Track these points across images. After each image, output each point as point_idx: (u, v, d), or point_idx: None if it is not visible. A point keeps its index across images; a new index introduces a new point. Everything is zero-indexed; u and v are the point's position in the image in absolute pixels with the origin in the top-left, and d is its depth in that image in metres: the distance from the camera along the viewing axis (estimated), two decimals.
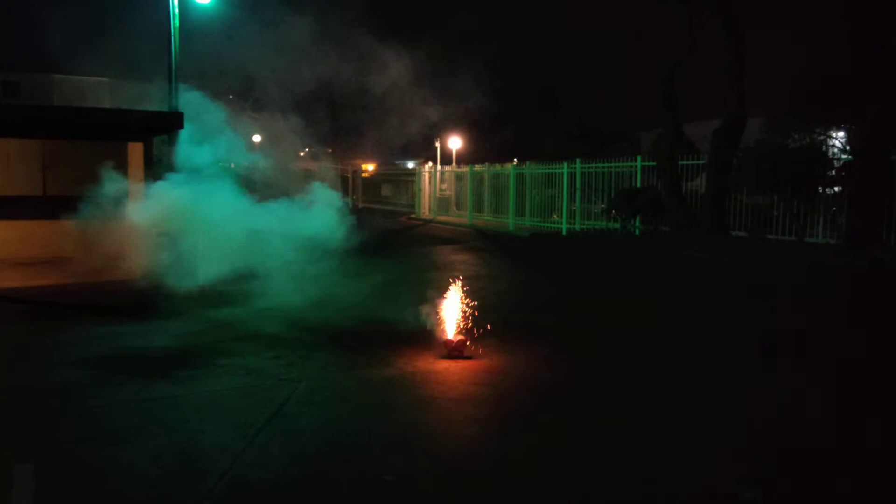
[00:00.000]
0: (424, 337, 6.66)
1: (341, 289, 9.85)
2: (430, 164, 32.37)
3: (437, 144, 34.51)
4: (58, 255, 11.08)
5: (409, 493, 3.70)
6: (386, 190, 36.36)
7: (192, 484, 3.76)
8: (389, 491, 3.72)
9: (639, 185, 19.83)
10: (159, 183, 9.21)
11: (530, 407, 5.07)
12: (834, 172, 15.30)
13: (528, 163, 23.60)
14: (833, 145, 16.02)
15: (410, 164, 38.53)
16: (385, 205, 34.62)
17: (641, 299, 9.71)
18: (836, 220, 15.24)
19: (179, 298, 8.86)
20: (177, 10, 13.37)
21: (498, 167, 25.22)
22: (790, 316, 8.54)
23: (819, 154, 15.33)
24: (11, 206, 11.72)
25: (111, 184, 9.60)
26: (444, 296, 6.67)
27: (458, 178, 27.83)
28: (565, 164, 21.57)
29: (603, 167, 20.81)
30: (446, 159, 33.53)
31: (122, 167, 11.32)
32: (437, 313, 6.67)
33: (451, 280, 6.81)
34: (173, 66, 13.35)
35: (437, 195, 28.65)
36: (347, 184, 36.87)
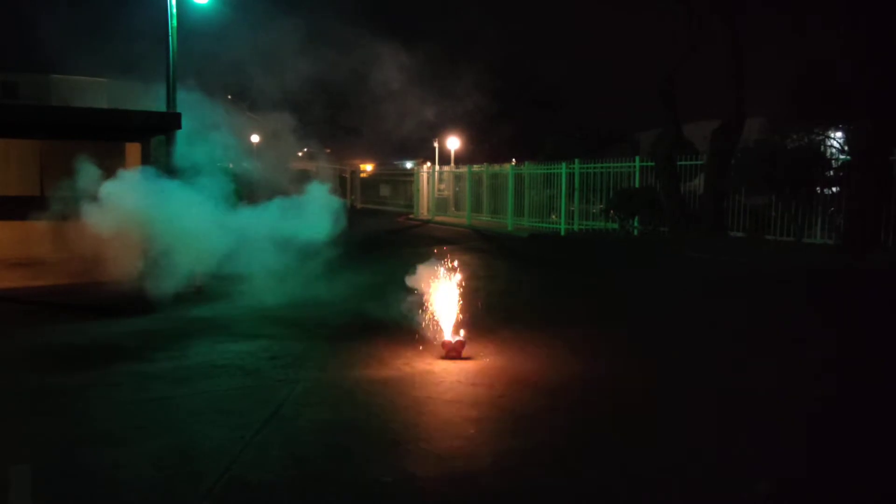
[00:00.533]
0: (422, 338, 6.65)
1: (336, 290, 9.85)
2: (429, 164, 32.37)
3: (436, 145, 34.52)
4: (54, 256, 11.04)
5: (408, 494, 3.69)
6: (384, 190, 36.34)
7: (190, 484, 3.75)
8: (388, 492, 3.71)
9: (637, 185, 19.83)
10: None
11: (528, 408, 5.06)
12: (832, 173, 15.31)
13: (526, 163, 23.61)
14: (831, 146, 16.04)
15: (409, 165, 38.51)
16: (383, 205, 34.61)
17: (639, 301, 9.71)
18: (834, 221, 15.25)
19: (169, 300, 8.85)
20: (174, 10, 13.35)
21: (496, 167, 25.23)
22: (782, 316, 8.53)
23: (817, 155, 15.34)
24: (7, 207, 11.70)
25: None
26: (442, 297, 6.65)
27: (457, 178, 27.83)
28: (564, 165, 21.57)
29: (601, 167, 20.82)
30: (445, 159, 33.54)
31: (119, 167, 11.29)
32: (434, 314, 6.66)
33: (448, 281, 6.79)
34: (171, 66, 13.33)
35: (436, 195, 28.65)
36: (346, 184, 36.86)
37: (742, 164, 16.21)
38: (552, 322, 8.03)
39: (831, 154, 15.69)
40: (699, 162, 18.37)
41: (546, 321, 8.07)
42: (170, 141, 12.73)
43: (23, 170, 12.33)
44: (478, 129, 34.35)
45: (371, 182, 38.50)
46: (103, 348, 6.72)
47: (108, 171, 9.83)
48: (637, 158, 20.39)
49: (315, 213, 10.16)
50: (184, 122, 11.60)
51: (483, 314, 6.82)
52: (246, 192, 16.72)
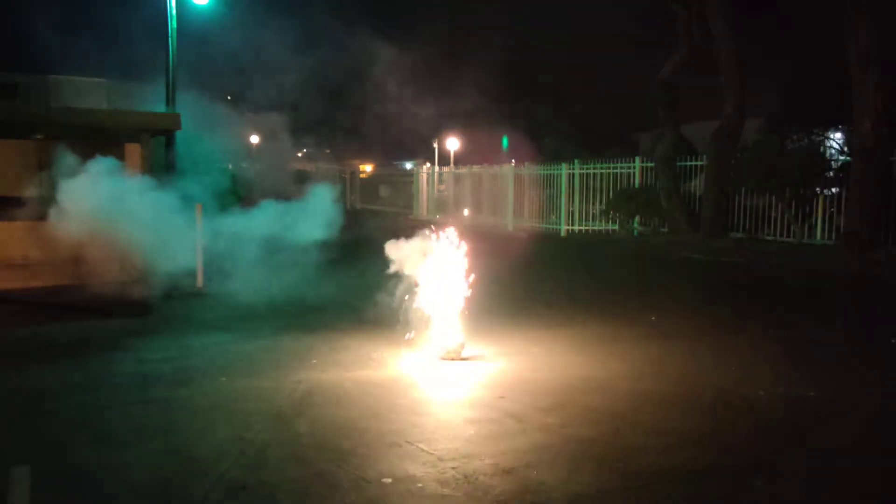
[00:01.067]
0: (422, 338, 6.64)
1: (335, 290, 9.84)
2: (428, 164, 32.35)
3: (436, 145, 34.51)
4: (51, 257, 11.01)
5: (408, 495, 3.68)
6: (384, 191, 36.31)
7: (189, 486, 3.74)
8: (388, 493, 3.71)
9: (637, 186, 19.83)
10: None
11: (528, 409, 5.05)
12: (832, 174, 15.31)
13: (526, 164, 23.60)
14: (831, 146, 16.04)
15: (408, 165, 38.50)
16: (383, 206, 34.58)
17: (640, 301, 9.70)
18: (834, 222, 15.25)
19: (168, 301, 8.85)
20: (174, 11, 13.35)
21: (496, 168, 25.22)
22: (778, 317, 8.53)
23: (817, 155, 15.34)
24: (6, 207, 11.66)
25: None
26: (441, 297, 6.64)
27: (457, 178, 27.82)
28: (563, 165, 21.57)
29: (601, 168, 20.81)
30: (444, 160, 33.53)
31: (118, 167, 11.27)
32: (433, 315, 6.65)
33: (448, 282, 6.77)
34: (171, 68, 13.34)
35: (435, 196, 28.63)
36: (345, 185, 36.82)
37: (742, 165, 16.22)
38: (552, 322, 8.02)
39: (831, 155, 15.69)
40: (699, 162, 18.36)
41: (546, 321, 8.06)
42: (169, 142, 12.74)
43: (19, 170, 12.29)
44: (478, 129, 34.36)
45: (370, 183, 38.48)
46: (101, 349, 6.70)
47: (107, 171, 9.81)
48: (637, 159, 20.39)
49: (313, 214, 10.16)
50: (183, 122, 11.59)
51: (482, 315, 6.82)
52: (245, 192, 16.73)
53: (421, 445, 4.34)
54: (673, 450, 4.29)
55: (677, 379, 5.87)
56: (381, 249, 6.78)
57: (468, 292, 6.66)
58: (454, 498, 3.67)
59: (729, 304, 9.44)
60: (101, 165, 9.56)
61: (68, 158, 9.49)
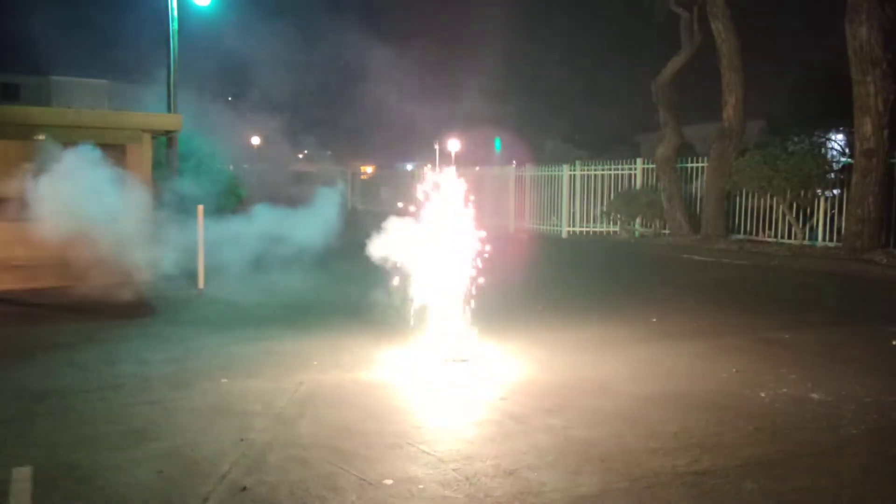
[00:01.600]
0: (423, 339, 6.63)
1: (337, 292, 9.84)
2: (430, 166, 32.37)
3: (437, 147, 34.52)
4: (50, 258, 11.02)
5: (410, 497, 3.68)
6: (385, 192, 36.31)
7: (190, 487, 3.74)
8: (389, 494, 3.70)
9: (638, 187, 19.83)
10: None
11: (530, 410, 5.05)
12: (833, 175, 15.31)
13: (527, 165, 23.61)
14: (832, 148, 16.03)
15: (409, 167, 38.51)
16: (384, 207, 34.58)
17: (642, 303, 9.69)
18: (835, 223, 15.24)
19: (170, 302, 8.85)
20: (175, 13, 13.36)
21: (497, 169, 25.22)
22: (780, 319, 8.52)
23: (818, 157, 15.33)
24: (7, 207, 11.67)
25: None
26: (443, 298, 6.63)
27: None
28: (565, 167, 21.58)
29: (602, 169, 20.81)
30: (445, 161, 33.54)
31: (120, 169, 11.28)
32: (434, 316, 6.64)
33: (450, 283, 6.76)
34: (172, 69, 13.35)
35: None
36: (346, 186, 36.83)
37: (743, 167, 16.22)
38: (553, 324, 8.02)
39: (832, 156, 15.68)
40: (700, 164, 18.37)
41: (547, 323, 8.06)
42: (171, 142, 12.74)
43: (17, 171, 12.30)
44: (479, 131, 34.38)
45: (371, 184, 38.49)
46: (103, 350, 6.71)
47: (108, 172, 9.82)
48: (638, 160, 20.40)
49: (315, 216, 10.18)
50: (184, 123, 11.60)
51: (483, 316, 6.81)
52: (246, 194, 16.72)
53: (422, 447, 4.33)
54: (675, 451, 4.28)
55: (679, 380, 5.86)
56: (383, 251, 6.77)
57: (470, 293, 6.65)
58: (455, 499, 3.66)
59: (730, 306, 9.43)
60: (100, 165, 9.57)
61: (66, 159, 9.50)
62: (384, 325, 6.94)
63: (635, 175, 20.14)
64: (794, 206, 15.84)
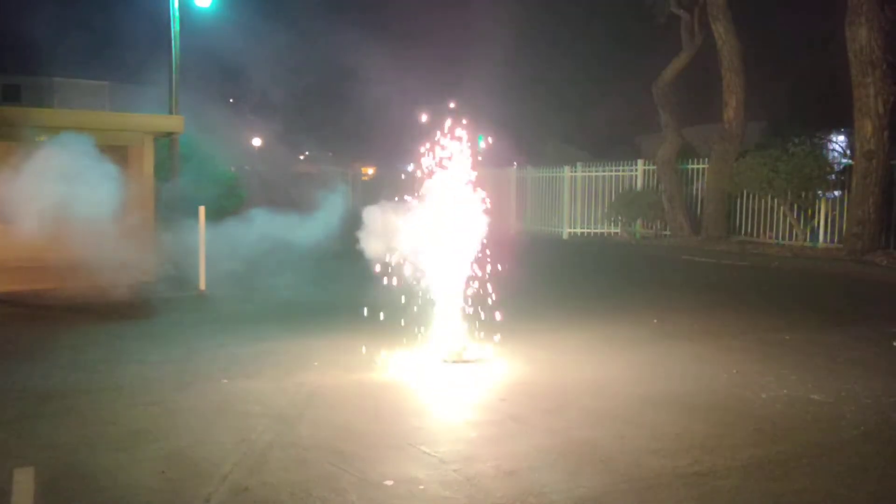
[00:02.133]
0: (424, 341, 6.64)
1: (338, 293, 9.85)
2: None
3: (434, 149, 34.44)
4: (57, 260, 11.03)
5: (410, 498, 3.69)
6: (386, 193, 36.27)
7: (192, 488, 3.75)
8: (390, 495, 3.71)
9: (639, 189, 19.84)
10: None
11: (530, 412, 5.06)
12: (834, 177, 15.32)
13: (528, 167, 23.61)
14: (833, 149, 16.04)
15: (410, 168, 38.50)
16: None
17: (641, 304, 9.69)
18: (836, 225, 15.25)
19: (172, 303, 8.86)
20: (177, 14, 13.38)
21: (498, 171, 25.20)
22: (781, 320, 8.51)
23: (819, 158, 15.34)
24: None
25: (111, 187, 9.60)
26: (443, 300, 6.64)
27: None
28: (566, 168, 21.58)
29: (603, 171, 20.82)
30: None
31: (122, 170, 11.29)
32: (435, 317, 6.65)
33: (450, 284, 6.77)
34: (174, 70, 13.36)
35: None
36: (348, 187, 36.84)
37: (744, 168, 16.23)
38: (554, 325, 8.02)
39: (833, 158, 15.70)
40: (701, 166, 18.38)
41: (547, 324, 8.06)
42: (172, 144, 12.76)
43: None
44: (479, 131, 34.31)
45: (373, 185, 38.48)
46: (105, 351, 6.72)
47: (110, 174, 9.83)
48: (639, 162, 20.40)
49: (317, 218, 10.19)
50: (186, 125, 11.61)
51: (483, 317, 6.81)
52: (247, 195, 16.74)
53: (423, 448, 4.34)
54: (676, 452, 4.29)
55: (680, 381, 5.86)
56: (385, 253, 6.78)
57: (471, 294, 6.66)
58: (456, 500, 3.67)
59: (731, 307, 9.43)
60: (102, 168, 9.58)
61: (70, 161, 9.51)
62: (385, 325, 6.94)
63: (636, 176, 20.15)
64: (795, 207, 15.85)
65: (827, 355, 6.77)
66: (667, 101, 18.90)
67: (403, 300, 6.70)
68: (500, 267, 6.74)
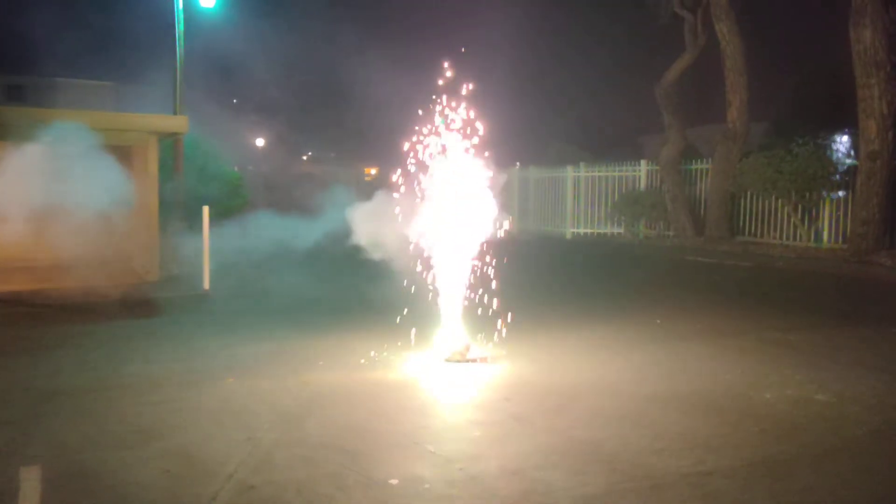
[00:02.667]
0: (429, 340, 6.66)
1: (342, 293, 9.87)
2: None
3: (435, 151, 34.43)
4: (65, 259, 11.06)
5: (415, 496, 3.70)
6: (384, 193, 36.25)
7: (197, 486, 3.76)
8: (395, 494, 3.72)
9: (642, 189, 19.84)
10: None
11: (533, 411, 5.07)
12: (838, 177, 15.29)
13: (530, 166, 23.61)
14: (837, 150, 16.01)
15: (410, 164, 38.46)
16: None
17: (644, 304, 9.69)
18: (840, 225, 15.23)
19: (176, 302, 8.88)
20: (182, 14, 13.41)
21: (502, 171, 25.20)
22: (784, 321, 8.51)
23: (823, 159, 15.32)
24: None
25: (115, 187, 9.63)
26: (447, 299, 6.65)
27: None
28: (568, 168, 21.60)
29: (606, 171, 20.82)
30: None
31: (127, 171, 11.33)
32: (439, 316, 6.67)
33: (453, 284, 6.78)
34: (178, 71, 13.39)
35: None
36: (350, 187, 36.85)
37: (747, 169, 16.22)
38: (557, 325, 8.03)
39: (837, 158, 15.66)
40: (705, 166, 18.37)
41: (551, 324, 8.07)
42: (176, 144, 12.79)
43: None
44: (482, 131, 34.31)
45: (375, 186, 38.51)
46: (110, 350, 6.74)
47: (115, 174, 9.85)
48: (642, 162, 20.41)
49: (320, 219, 10.21)
50: (190, 125, 11.64)
51: (488, 317, 6.83)
52: (250, 195, 16.77)
53: (428, 446, 4.35)
54: (680, 452, 4.30)
55: (683, 381, 5.86)
56: (387, 254, 6.80)
57: (475, 294, 6.68)
58: (461, 499, 3.69)
59: (735, 307, 9.43)
60: (106, 168, 9.61)
61: (74, 161, 9.54)
62: (389, 324, 6.96)
63: (639, 177, 20.15)
64: (799, 207, 15.84)
65: (831, 356, 6.77)
66: (670, 102, 18.89)
67: (407, 299, 6.72)
68: (502, 267, 6.74)
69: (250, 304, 9.40)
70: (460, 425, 4.88)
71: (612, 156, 22.30)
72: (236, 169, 19.03)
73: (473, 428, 4.78)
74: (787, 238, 16.17)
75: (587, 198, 21.12)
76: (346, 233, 7.74)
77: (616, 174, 20.60)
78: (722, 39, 17.17)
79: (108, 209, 8.94)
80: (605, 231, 20.65)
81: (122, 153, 11.26)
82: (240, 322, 8.20)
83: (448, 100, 6.46)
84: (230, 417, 4.87)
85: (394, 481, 3.86)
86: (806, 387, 5.68)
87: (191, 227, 11.69)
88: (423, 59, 6.37)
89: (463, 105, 6.49)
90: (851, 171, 15.01)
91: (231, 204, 14.87)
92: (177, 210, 12.63)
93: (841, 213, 15.25)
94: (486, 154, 6.45)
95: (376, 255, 6.87)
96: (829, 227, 15.48)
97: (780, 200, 16.07)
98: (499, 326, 6.84)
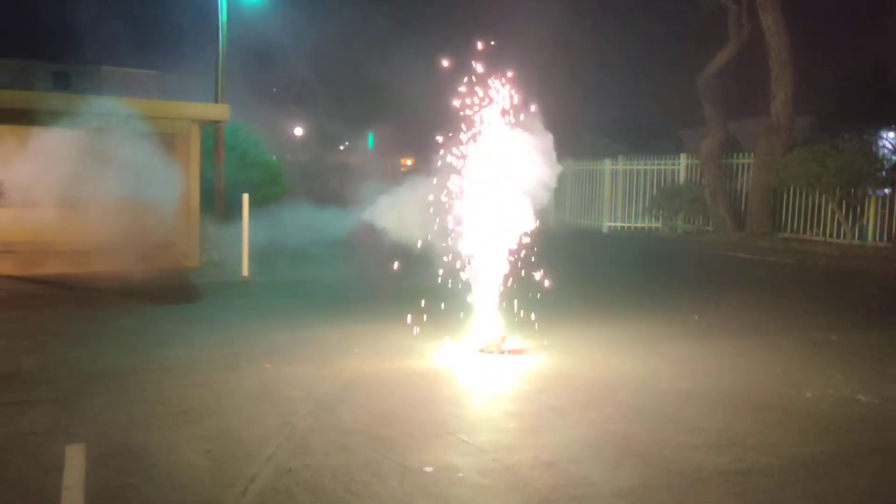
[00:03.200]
0: (463, 330, 6.67)
1: (379, 282, 9.92)
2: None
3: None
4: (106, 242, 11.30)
5: (449, 484, 3.72)
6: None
7: (238, 467, 3.83)
8: (429, 481, 3.75)
9: (682, 183, 19.57)
10: None
11: (568, 403, 5.06)
12: (884, 174, 14.92)
13: (568, 158, 23.44)
14: (883, 146, 15.61)
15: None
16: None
17: (682, 299, 9.59)
18: (886, 223, 14.87)
19: (216, 288, 9.01)
20: (225, 5, 13.56)
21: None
22: (826, 319, 8.34)
23: (869, 155, 14.94)
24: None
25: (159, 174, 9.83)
26: (482, 290, 6.65)
27: None
28: (607, 161, 21.39)
29: (645, 164, 20.58)
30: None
31: (169, 158, 11.54)
32: (474, 307, 6.67)
33: (489, 275, 6.77)
34: (220, 60, 13.55)
35: None
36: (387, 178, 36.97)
37: (791, 164, 15.89)
38: (592, 318, 7.98)
39: (883, 154, 15.27)
40: (746, 160, 18.05)
41: (586, 317, 8.02)
42: (218, 132, 12.97)
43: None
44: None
45: (410, 176, 38.52)
46: (153, 333, 6.89)
47: (158, 161, 10.04)
48: (682, 156, 20.12)
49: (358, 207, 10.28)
50: (231, 114, 11.79)
51: (523, 309, 6.81)
52: (289, 185, 16.92)
53: (462, 436, 4.37)
54: (718, 449, 4.25)
55: (721, 378, 5.80)
56: (422, 244, 6.82)
57: (510, 285, 6.67)
58: (495, 489, 3.70)
59: (776, 305, 9.27)
60: (150, 156, 9.79)
61: (120, 148, 9.74)
62: (424, 314, 6.98)
63: (679, 170, 19.87)
64: (844, 204, 15.48)
65: (874, 356, 6.63)
66: (711, 94, 18.58)
67: (442, 289, 6.73)
68: (538, 260, 6.71)
69: (288, 291, 9.51)
70: (494, 416, 4.89)
71: (650, 149, 22.03)
72: (275, 158, 19.22)
73: (508, 419, 4.79)
74: (831, 235, 15.82)
75: (625, 191, 20.90)
76: (381, 222, 7.80)
77: (655, 167, 20.35)
78: (767, 30, 16.81)
79: (150, 195, 9.11)
80: (643, 225, 20.43)
81: (166, 141, 11.47)
82: (277, 309, 8.31)
83: (488, 83, 6.42)
84: (268, 402, 4.94)
85: (428, 469, 3.89)
86: (848, 387, 5.57)
87: (231, 214, 11.86)
88: (461, 52, 6.33)
89: (507, 87, 6.43)
90: None
91: (270, 192, 15.05)
92: (217, 197, 12.83)
93: (886, 210, 14.88)
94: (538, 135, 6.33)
95: (412, 245, 6.90)
96: (874, 224, 15.11)
97: (823, 196, 15.73)
98: (534, 318, 6.82)
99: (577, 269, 12.29)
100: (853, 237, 15.33)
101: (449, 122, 6.55)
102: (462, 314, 6.74)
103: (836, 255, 14.32)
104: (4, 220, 11.15)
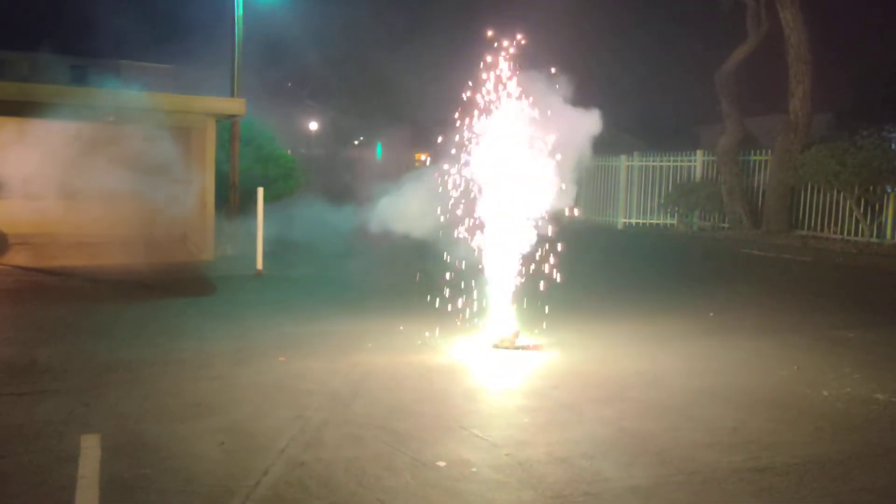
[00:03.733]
0: (477, 326, 6.66)
1: (392, 277, 9.92)
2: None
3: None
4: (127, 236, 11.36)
5: (462, 479, 3.71)
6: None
7: (251, 460, 3.84)
8: (442, 476, 3.74)
9: (698, 179, 19.44)
10: None
11: (581, 399, 5.03)
12: None
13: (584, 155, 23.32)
14: None
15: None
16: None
17: (697, 297, 9.52)
18: None
19: (230, 282, 9.03)
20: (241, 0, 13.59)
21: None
22: (843, 318, 8.25)
23: (888, 152, 14.77)
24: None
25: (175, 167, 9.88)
26: (496, 286, 6.63)
27: None
28: (622, 157, 21.28)
29: (661, 161, 20.45)
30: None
31: (185, 151, 11.60)
32: (488, 303, 6.66)
33: (502, 271, 6.75)
34: (236, 54, 13.59)
35: None
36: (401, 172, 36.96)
37: (809, 161, 15.73)
38: (606, 315, 7.95)
39: None
40: (763, 157, 17.90)
41: (600, 314, 7.99)
42: (233, 126, 13.01)
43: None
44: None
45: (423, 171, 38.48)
46: (167, 326, 6.93)
47: (174, 155, 10.09)
48: (698, 152, 19.98)
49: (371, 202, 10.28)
50: (246, 108, 11.81)
51: (537, 305, 6.79)
52: (303, 179, 16.95)
53: (475, 431, 4.36)
54: (732, 447, 4.22)
55: (737, 376, 5.75)
56: (438, 240, 6.81)
57: (525, 282, 6.64)
58: (508, 484, 3.69)
59: (792, 302, 9.19)
60: (166, 149, 9.84)
61: (136, 141, 9.79)
62: (438, 309, 6.98)
63: (695, 167, 19.73)
64: (862, 201, 15.31)
65: (891, 355, 6.56)
66: (729, 90, 18.43)
67: (456, 284, 6.72)
68: (553, 256, 6.67)
69: (302, 284, 9.53)
70: (508, 411, 4.88)
71: (667, 145, 21.88)
72: (289, 152, 19.26)
73: (521, 414, 4.77)
74: (848, 233, 15.66)
75: (640, 188, 20.78)
76: (393, 216, 7.80)
77: (671, 164, 20.21)
78: (786, 27, 16.65)
79: (165, 189, 9.16)
80: (658, 222, 20.31)
81: (182, 134, 11.52)
82: (291, 302, 8.33)
83: (504, 79, 6.40)
84: (281, 395, 4.96)
85: (441, 464, 3.88)
86: (865, 385, 5.51)
87: (245, 208, 11.90)
88: (480, 47, 6.30)
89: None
90: None
91: (285, 186, 15.09)
92: (232, 191, 12.87)
93: None
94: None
95: (426, 240, 6.89)
96: (892, 222, 14.94)
97: (841, 194, 15.57)
98: (548, 314, 6.80)
99: (593, 265, 12.23)
100: (871, 235, 15.18)
101: (468, 109, 6.54)
102: (476, 310, 6.73)
103: (854, 253, 14.17)
104: (20, 213, 11.25)
